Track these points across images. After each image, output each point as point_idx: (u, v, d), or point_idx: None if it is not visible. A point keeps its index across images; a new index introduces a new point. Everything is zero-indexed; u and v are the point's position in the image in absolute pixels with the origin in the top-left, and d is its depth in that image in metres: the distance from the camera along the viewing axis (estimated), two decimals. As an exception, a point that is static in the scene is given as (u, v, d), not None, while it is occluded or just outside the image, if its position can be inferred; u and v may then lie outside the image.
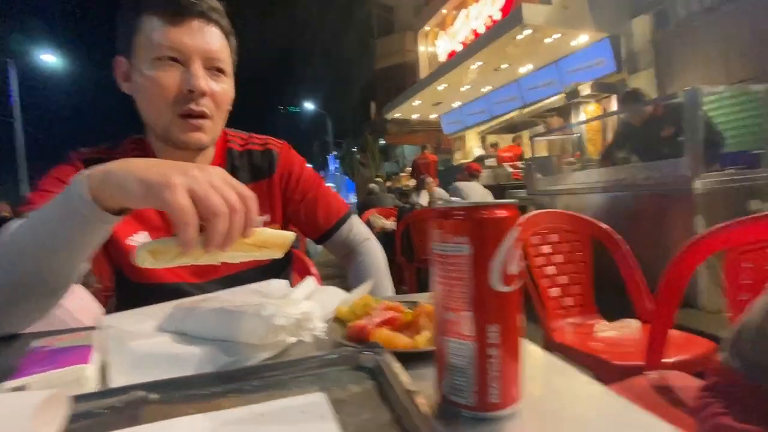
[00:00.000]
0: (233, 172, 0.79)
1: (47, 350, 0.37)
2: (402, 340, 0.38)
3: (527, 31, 5.17)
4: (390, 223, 4.36)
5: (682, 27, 4.83)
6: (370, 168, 14.48)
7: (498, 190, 4.12)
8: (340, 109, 19.39)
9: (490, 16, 6.58)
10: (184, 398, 0.30)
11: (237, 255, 0.45)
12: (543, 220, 1.60)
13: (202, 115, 0.64)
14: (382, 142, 14.22)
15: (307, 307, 0.39)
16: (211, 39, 0.64)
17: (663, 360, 1.12)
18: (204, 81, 0.63)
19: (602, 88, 4.96)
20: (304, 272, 1.29)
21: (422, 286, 4.44)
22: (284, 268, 0.90)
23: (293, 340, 0.39)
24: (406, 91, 8.81)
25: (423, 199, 4.51)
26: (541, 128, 6.49)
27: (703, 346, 1.23)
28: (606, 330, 1.51)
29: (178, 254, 0.41)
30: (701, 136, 2.01)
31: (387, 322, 0.41)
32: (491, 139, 8.05)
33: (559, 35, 5.38)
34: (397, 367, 0.30)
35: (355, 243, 0.88)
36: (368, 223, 4.71)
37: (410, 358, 0.35)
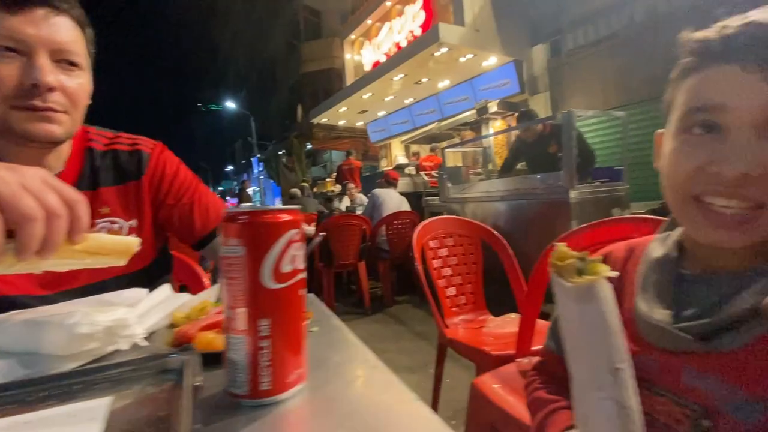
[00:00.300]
0: (93, 173, 0.73)
1: None
2: (210, 342, 0.39)
3: (444, 49, 5.53)
4: (311, 229, 4.30)
5: (571, 57, 5.57)
6: (296, 172, 14.15)
7: (416, 197, 4.30)
8: (265, 110, 18.67)
9: (412, 32, 6.91)
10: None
11: (64, 263, 0.42)
12: (438, 225, 1.72)
13: (51, 110, 0.59)
14: (309, 146, 13.99)
15: (122, 314, 0.38)
16: (59, 29, 0.59)
17: (532, 348, 1.28)
18: (52, 75, 0.58)
19: (507, 107, 5.49)
20: (196, 283, 1.22)
21: (342, 293, 4.41)
22: (161, 275, 0.84)
23: (110, 348, 0.37)
24: (333, 97, 8.83)
25: (344, 204, 4.54)
26: (457, 140, 6.95)
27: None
28: (492, 324, 1.67)
29: None
30: (575, 153, 2.33)
31: (214, 325, 0.41)
32: (414, 148, 8.41)
33: (472, 55, 5.84)
34: (194, 366, 0.31)
35: None
36: (288, 229, 4.59)
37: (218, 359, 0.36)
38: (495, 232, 1.75)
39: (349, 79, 9.21)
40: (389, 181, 3.93)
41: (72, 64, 0.61)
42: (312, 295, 0.61)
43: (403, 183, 4.70)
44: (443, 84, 7.12)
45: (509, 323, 1.62)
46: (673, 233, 0.50)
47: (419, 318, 3.19)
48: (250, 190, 11.52)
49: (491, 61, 6.11)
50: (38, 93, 0.57)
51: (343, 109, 8.76)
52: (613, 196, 2.60)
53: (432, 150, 6.33)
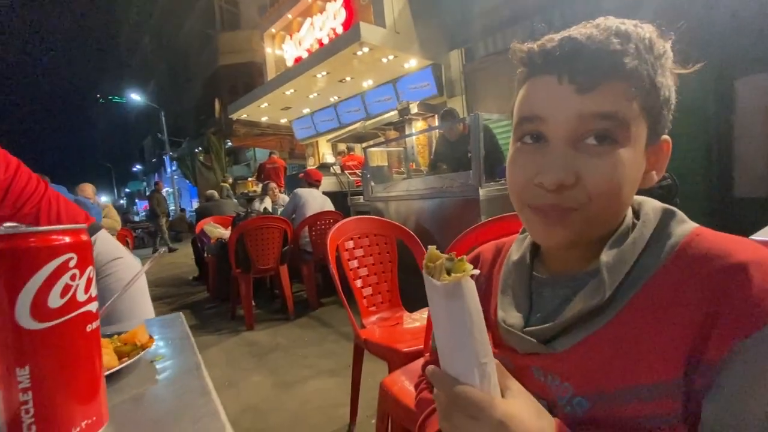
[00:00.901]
0: None
1: None
2: None
3: (365, 49, 5.56)
4: (228, 233, 4.04)
5: (483, 63, 5.97)
6: (215, 171, 13.21)
7: (341, 196, 4.27)
8: (179, 104, 17.10)
9: (333, 29, 6.83)
10: None
11: None
12: (353, 226, 1.72)
13: None
14: (229, 143, 13.15)
15: None
16: None
17: (441, 341, 1.33)
18: None
19: (427, 108, 5.71)
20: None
21: (265, 299, 4.21)
22: None
23: None
24: (253, 91, 8.38)
25: (265, 205, 4.34)
26: (381, 139, 7.06)
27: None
28: (408, 320, 1.71)
29: None
30: (482, 154, 2.50)
31: None
32: (341, 146, 8.36)
33: (393, 57, 5.96)
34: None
35: (100, 263, 0.75)
36: (203, 234, 4.26)
37: None
38: (409, 231, 1.80)
39: (271, 74, 8.83)
40: (311, 182, 3.84)
41: None
42: (177, 315, 0.55)
43: (328, 182, 4.64)
44: (367, 83, 7.17)
45: (424, 319, 1.67)
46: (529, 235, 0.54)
47: (343, 318, 3.17)
48: (164, 191, 10.47)
49: (412, 63, 6.30)
50: None
51: (265, 105, 8.37)
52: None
53: (349, 150, 6.34)
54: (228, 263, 3.22)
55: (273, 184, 4.74)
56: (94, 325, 0.25)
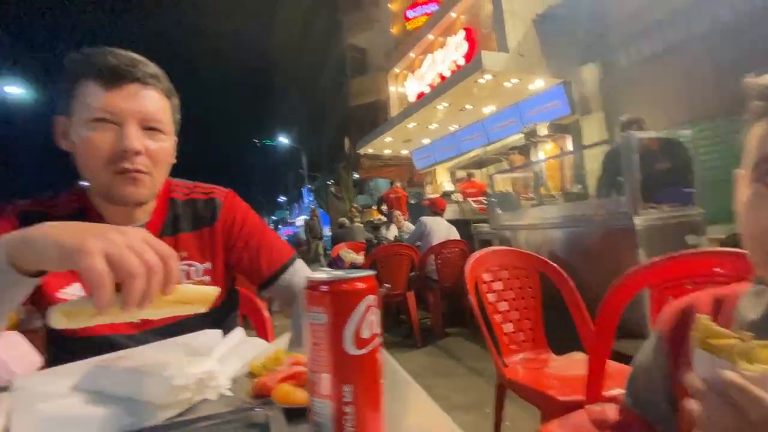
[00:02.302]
0: (175, 220, 0.81)
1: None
2: (300, 396, 0.40)
3: (487, 76, 5.55)
4: (360, 258, 4.36)
5: (626, 74, 5.33)
6: (344, 201, 14.58)
7: (464, 224, 4.23)
8: (315, 143, 19.69)
9: (455, 61, 7.03)
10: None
11: (157, 312, 0.46)
12: (491, 258, 1.67)
13: (138, 171, 0.67)
14: (356, 175, 14.46)
15: (210, 365, 0.41)
16: (147, 101, 0.68)
17: (603, 393, 1.17)
18: (138, 141, 0.66)
19: (558, 129, 5.33)
20: (256, 314, 1.28)
21: (391, 323, 4.35)
22: (229, 312, 0.90)
23: (199, 398, 0.40)
24: (378, 128, 9.12)
25: (391, 233, 4.57)
26: (505, 165, 6.82)
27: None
28: (556, 364, 1.55)
29: (94, 314, 0.42)
30: (638, 177, 2.19)
31: (292, 377, 0.43)
32: (460, 174, 8.38)
33: (517, 80, 5.80)
34: (280, 421, 0.33)
35: (298, 288, 0.89)
36: (338, 258, 4.69)
37: (300, 414, 0.37)
38: (553, 264, 1.67)
39: (394, 110, 9.49)
40: (435, 211, 3.91)
41: (157, 129, 0.70)
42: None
43: (449, 210, 4.67)
44: (488, 109, 7.09)
45: (575, 364, 1.50)
46: None
47: (473, 352, 3.05)
48: (300, 219, 11.93)
49: (537, 84, 6.02)
50: (127, 157, 0.66)
51: (389, 139, 8.99)
52: (685, 221, 2.37)
53: (469, 176, 6.24)
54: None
55: (398, 212, 4.99)
56: (379, 355, 0.30)
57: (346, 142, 14.80)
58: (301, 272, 0.91)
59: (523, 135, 5.52)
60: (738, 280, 0.53)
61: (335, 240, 5.49)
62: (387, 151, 10.63)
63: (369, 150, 10.20)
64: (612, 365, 1.16)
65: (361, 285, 0.30)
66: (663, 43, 4.86)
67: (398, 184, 6.86)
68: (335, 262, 4.97)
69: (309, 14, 18.77)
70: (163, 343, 0.61)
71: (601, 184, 3.18)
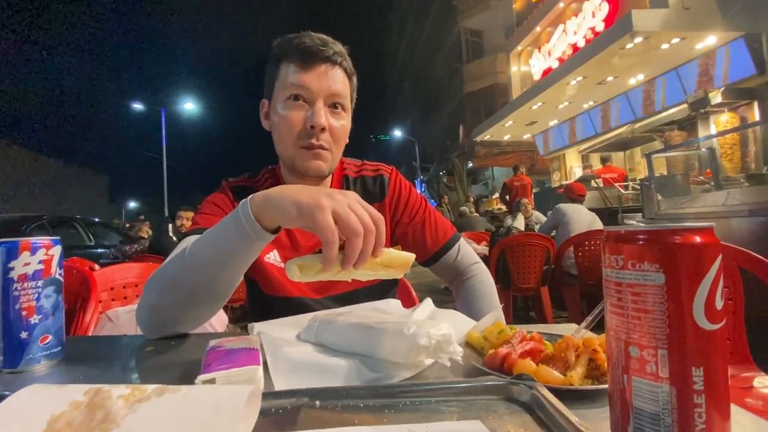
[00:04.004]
0: None
1: (223, 350, 0.43)
2: (552, 375, 0.35)
3: (638, 39, 4.70)
4: (481, 248, 4.19)
5: None
6: (457, 191, 14.31)
7: (607, 213, 3.70)
8: (428, 134, 19.73)
9: (592, 29, 6.16)
10: (343, 408, 0.32)
11: (366, 273, 0.47)
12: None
13: (321, 148, 0.71)
14: (470, 165, 14.00)
15: (446, 329, 0.39)
16: (334, 80, 0.71)
17: None
18: (324, 118, 0.70)
19: (737, 95, 4.20)
20: (406, 294, 1.31)
21: (519, 319, 4.12)
22: (391, 288, 0.92)
23: (430, 361, 0.39)
24: (498, 112, 8.63)
25: (519, 222, 4.27)
26: (657, 144, 5.73)
27: None
28: (764, 386, 1.22)
29: (320, 270, 0.45)
30: None
31: (529, 353, 0.38)
32: (594, 158, 7.37)
33: (679, 40, 4.77)
34: (560, 404, 0.28)
35: (463, 266, 0.86)
36: (459, 248, 4.60)
37: (561, 396, 0.32)
38: (762, 258, 1.30)
39: (516, 92, 8.84)
40: (573, 198, 3.49)
41: (340, 107, 0.73)
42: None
43: (589, 197, 4.13)
44: (635, 80, 6.04)
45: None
46: None
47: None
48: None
49: (708, 41, 4.86)
50: (314, 133, 0.70)
51: (509, 123, 8.43)
52: None
53: (604, 161, 5.36)
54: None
55: (526, 200, 4.63)
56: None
57: (461, 130, 14.44)
58: (465, 249, 0.88)
59: (687, 105, 4.52)
60: None
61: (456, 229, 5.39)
62: (506, 137, 10.00)
63: (487, 136, 9.73)
64: None
65: (704, 239, 0.23)
66: None
67: (522, 171, 6.36)
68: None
69: (421, 3, 18.75)
70: (360, 306, 0.63)
71: None
